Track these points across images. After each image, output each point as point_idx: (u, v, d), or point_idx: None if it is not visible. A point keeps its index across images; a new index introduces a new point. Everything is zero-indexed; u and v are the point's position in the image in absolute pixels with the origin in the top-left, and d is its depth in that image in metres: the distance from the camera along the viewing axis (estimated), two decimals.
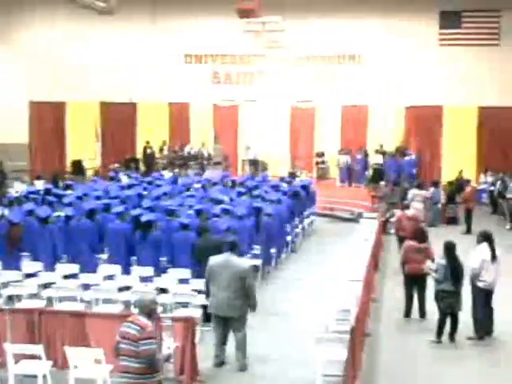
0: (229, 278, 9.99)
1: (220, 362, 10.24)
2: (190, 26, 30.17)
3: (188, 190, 18.75)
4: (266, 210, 15.76)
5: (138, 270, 12.54)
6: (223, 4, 27.82)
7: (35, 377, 8.70)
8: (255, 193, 18.22)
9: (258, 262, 14.82)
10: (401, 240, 15.88)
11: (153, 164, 28.95)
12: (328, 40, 29.40)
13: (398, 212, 18.09)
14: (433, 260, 12.32)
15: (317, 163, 29.68)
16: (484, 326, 11.57)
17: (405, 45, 28.95)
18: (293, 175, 23.98)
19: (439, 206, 23.31)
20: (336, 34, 29.37)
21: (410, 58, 29.01)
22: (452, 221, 23.23)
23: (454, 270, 11.32)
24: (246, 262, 10.44)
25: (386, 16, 29.02)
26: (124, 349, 7.23)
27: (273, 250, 16.08)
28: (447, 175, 27.49)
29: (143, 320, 7.33)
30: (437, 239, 13.78)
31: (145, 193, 17.46)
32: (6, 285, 12.25)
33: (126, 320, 7.42)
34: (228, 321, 10.15)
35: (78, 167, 29.01)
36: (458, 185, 24.90)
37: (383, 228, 20.22)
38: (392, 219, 19.83)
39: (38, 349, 8.92)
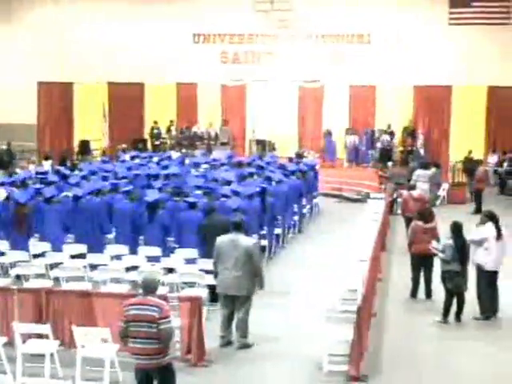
0: (235, 257, 10.05)
1: (226, 342, 10.29)
2: (199, 6, 30.01)
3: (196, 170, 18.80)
4: (270, 190, 15.77)
5: (145, 250, 12.60)
6: None
7: (43, 356, 8.74)
8: (262, 173, 18.22)
9: (265, 242, 14.88)
10: (408, 220, 15.88)
11: (160, 144, 28.95)
12: (336, 19, 29.20)
13: (405, 192, 18.06)
14: (438, 240, 12.33)
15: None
16: (489, 306, 11.58)
17: (414, 24, 28.72)
18: (300, 156, 23.93)
19: (443, 186, 23.33)
20: (345, 14, 29.13)
21: (419, 38, 28.78)
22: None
23: (460, 250, 11.32)
24: (251, 241, 10.49)
25: None
26: (140, 331, 7.26)
27: (279, 230, 16.12)
28: (455, 155, 27.40)
29: (157, 300, 7.38)
30: (443, 220, 13.77)
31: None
32: (13, 265, 12.32)
33: (133, 303, 7.42)
34: (235, 300, 10.20)
35: (85, 147, 29.03)
36: (468, 165, 24.83)
37: (390, 208, 20.20)
38: (399, 199, 19.80)
39: (46, 328, 8.99)
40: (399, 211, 19.08)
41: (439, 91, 28.46)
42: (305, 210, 19.21)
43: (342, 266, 12.46)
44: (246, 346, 10.21)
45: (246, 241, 10.27)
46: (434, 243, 12.08)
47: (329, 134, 29.00)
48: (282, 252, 16.26)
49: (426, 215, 12.98)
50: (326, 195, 23.80)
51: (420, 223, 12.83)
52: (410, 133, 28.38)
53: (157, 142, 29.09)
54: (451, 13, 28.75)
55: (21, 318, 9.64)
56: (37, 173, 17.57)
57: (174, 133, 29.56)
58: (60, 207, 13.75)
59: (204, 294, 11.02)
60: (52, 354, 8.82)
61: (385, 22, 28.93)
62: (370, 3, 28.90)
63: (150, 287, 7.50)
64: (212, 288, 11.07)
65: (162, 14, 30.23)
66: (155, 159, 21.14)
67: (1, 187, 14.87)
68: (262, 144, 28.39)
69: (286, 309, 12.07)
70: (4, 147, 25.56)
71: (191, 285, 11.44)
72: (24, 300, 9.90)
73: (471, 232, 11.77)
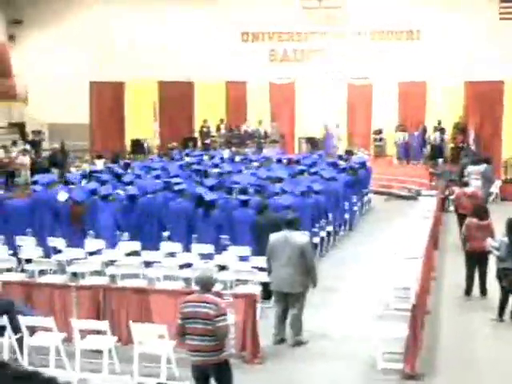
0: (289, 254, 10.09)
1: (280, 340, 10.33)
2: (247, 4, 30.10)
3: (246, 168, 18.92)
4: (321, 187, 15.77)
5: (198, 248, 12.72)
6: None
7: (101, 352, 8.91)
8: (312, 170, 18.23)
9: (317, 239, 14.90)
10: (461, 218, 15.70)
11: (210, 143, 29.13)
12: (385, 15, 29.02)
13: (456, 189, 17.87)
14: (493, 237, 12.19)
15: (374, 140, 29.47)
16: None
17: (464, 19, 28.39)
18: (350, 153, 23.85)
19: (495, 183, 22.96)
20: (393, 10, 28.96)
21: (470, 33, 28.45)
22: None
23: None
24: (304, 238, 10.52)
25: None
26: (196, 328, 7.35)
27: (331, 228, 16.11)
28: (508, 151, 26.98)
29: (213, 297, 7.47)
30: (497, 217, 13.61)
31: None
32: (70, 262, 12.54)
33: (191, 300, 7.53)
34: (289, 297, 10.25)
35: (137, 146, 29.37)
36: None
37: (442, 205, 20.01)
38: (451, 196, 19.60)
39: (104, 324, 9.15)
40: (451, 208, 18.90)
41: (491, 87, 28.01)
42: (356, 208, 19.15)
43: (394, 263, 12.43)
44: (300, 344, 10.25)
45: (299, 238, 10.31)
46: (489, 240, 11.95)
47: (326, 127, 28.93)
48: (333, 249, 16.25)
49: (481, 212, 12.85)
50: (377, 192, 23.68)
51: (474, 220, 12.70)
52: (461, 129, 28.04)
53: (207, 141, 29.27)
54: (502, 7, 28.34)
55: (79, 314, 9.84)
56: (90, 172, 17.85)
57: (223, 131, 29.71)
58: (114, 205, 13.95)
59: (257, 291, 11.08)
60: (110, 350, 8.99)
61: (434, 17, 28.65)
62: None
63: (206, 284, 7.59)
64: (265, 285, 11.14)
65: (211, 12, 30.42)
66: (206, 157, 21.30)
67: (60, 188, 15.11)
68: (311, 142, 28.38)
69: (338, 306, 12.08)
70: (57, 147, 25.99)
71: (244, 282, 11.52)
72: (82, 297, 10.10)
73: None
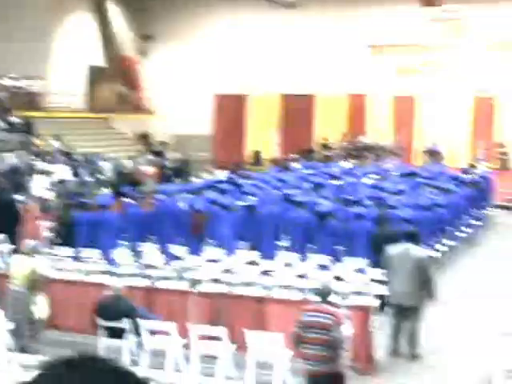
0: (407, 268, 10.01)
1: (394, 352, 10.23)
2: (372, 17, 29.86)
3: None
4: (441, 200, 15.51)
5: (314, 258, 12.75)
6: None
7: (215, 358, 9.04)
8: (432, 183, 17.95)
9: (436, 253, 14.64)
10: None
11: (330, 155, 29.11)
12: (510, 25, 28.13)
13: None
14: None
15: (500, 154, 28.59)
16: None
17: None
18: (472, 166, 23.31)
19: None
20: None
21: None
22: None
23: None
24: (423, 252, 10.41)
25: None
26: (312, 337, 7.41)
27: (450, 242, 15.79)
28: None
29: (330, 308, 7.53)
30: None
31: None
32: (189, 269, 12.81)
33: (309, 309, 7.60)
34: (405, 311, 10.13)
35: (257, 158, 29.74)
36: None
37: None
38: None
39: (221, 331, 9.30)
40: None
41: None
42: (477, 222, 18.65)
43: None
44: (416, 357, 10.09)
45: (419, 252, 10.22)
46: None
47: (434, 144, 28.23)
48: (453, 264, 15.88)
49: None
50: (500, 207, 22.98)
51: None
52: None
53: (328, 153, 29.23)
54: None
55: (196, 320, 10.06)
56: (211, 181, 18.22)
57: (343, 143, 29.61)
58: (234, 215, 14.20)
59: (373, 303, 10.99)
60: (225, 356, 9.11)
61: None
62: None
63: (323, 295, 7.66)
64: (380, 298, 11.04)
65: (333, 25, 30.37)
66: (324, 169, 21.32)
67: (182, 198, 15.53)
68: (433, 154, 27.89)
69: (456, 321, 11.78)
70: (181, 157, 26.72)
71: (360, 294, 11.44)
72: (199, 303, 10.32)
73: None
